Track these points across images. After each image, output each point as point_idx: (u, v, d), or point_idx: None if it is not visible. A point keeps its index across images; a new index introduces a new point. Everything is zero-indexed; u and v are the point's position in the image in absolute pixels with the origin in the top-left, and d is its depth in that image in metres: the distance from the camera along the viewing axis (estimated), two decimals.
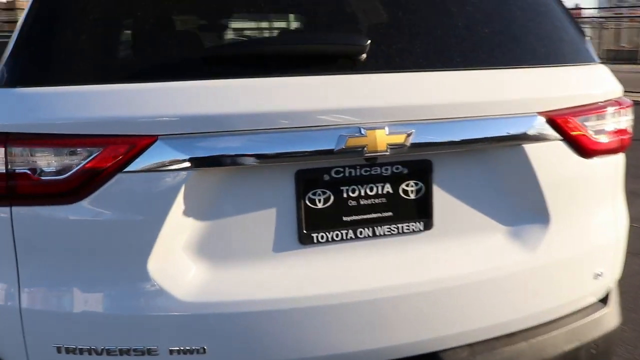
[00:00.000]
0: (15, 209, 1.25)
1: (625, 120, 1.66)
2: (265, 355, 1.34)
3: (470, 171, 1.47)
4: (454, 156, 1.45)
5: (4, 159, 1.22)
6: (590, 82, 1.61)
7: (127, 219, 1.26)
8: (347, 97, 1.31)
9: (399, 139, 1.32)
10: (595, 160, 1.60)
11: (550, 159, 1.51)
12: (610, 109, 1.60)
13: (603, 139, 1.59)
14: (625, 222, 1.78)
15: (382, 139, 1.30)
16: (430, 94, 1.37)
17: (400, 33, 1.44)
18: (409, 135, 1.32)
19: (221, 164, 1.26)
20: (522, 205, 1.53)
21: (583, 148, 1.55)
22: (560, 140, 1.51)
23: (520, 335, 1.56)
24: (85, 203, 1.24)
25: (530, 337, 1.55)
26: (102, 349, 1.30)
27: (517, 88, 1.47)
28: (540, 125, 1.47)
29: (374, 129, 1.30)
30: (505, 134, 1.44)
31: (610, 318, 1.72)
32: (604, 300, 1.74)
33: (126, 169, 1.23)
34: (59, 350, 1.31)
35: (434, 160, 1.43)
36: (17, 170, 1.23)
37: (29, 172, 1.23)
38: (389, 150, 1.31)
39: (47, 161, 1.23)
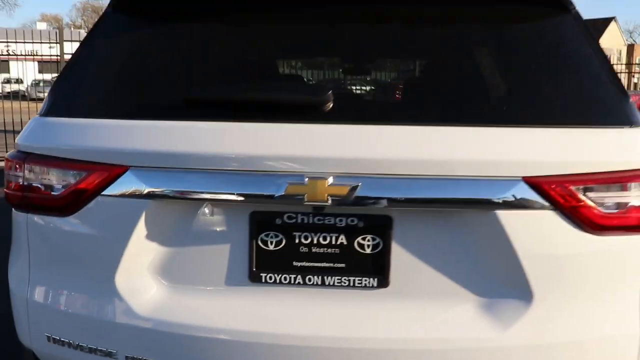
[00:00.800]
0: (28, 216, 1.54)
1: None
2: None
3: (438, 233, 1.39)
4: (420, 215, 1.38)
5: (23, 174, 1.51)
6: (608, 147, 1.39)
7: (102, 236, 1.46)
8: (298, 146, 1.35)
9: (342, 190, 1.31)
10: (609, 237, 1.38)
11: (535, 229, 1.35)
12: (633, 182, 1.37)
13: (619, 213, 1.37)
14: None
15: (323, 189, 1.31)
16: (388, 148, 1.33)
17: (365, 84, 1.43)
18: (353, 188, 1.31)
19: (176, 198, 1.39)
20: (497, 277, 1.38)
21: (586, 222, 1.35)
22: (552, 210, 1.34)
23: None
24: (76, 216, 1.47)
25: None
26: (77, 344, 1.51)
27: (498, 148, 1.35)
28: (522, 192, 1.33)
29: (316, 178, 1.31)
30: (474, 198, 1.33)
31: None
32: None
33: (104, 192, 1.43)
34: (48, 339, 1.55)
35: (396, 217, 1.38)
36: (34, 183, 1.52)
37: (40, 186, 1.51)
38: (329, 201, 1.31)
39: (51, 178, 1.50)
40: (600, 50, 1.54)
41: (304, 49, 1.72)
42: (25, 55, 10.51)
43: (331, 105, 1.37)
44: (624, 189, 1.38)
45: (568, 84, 1.49)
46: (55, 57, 9.71)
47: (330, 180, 1.31)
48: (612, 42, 48.15)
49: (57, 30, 9.66)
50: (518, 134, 1.37)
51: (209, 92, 1.43)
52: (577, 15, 1.58)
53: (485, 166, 1.33)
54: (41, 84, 18.34)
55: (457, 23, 1.56)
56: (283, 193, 1.32)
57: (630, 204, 1.39)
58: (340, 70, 1.71)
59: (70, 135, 1.49)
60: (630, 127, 1.42)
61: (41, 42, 10.20)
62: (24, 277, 1.59)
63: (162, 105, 1.47)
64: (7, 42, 9.89)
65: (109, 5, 1.70)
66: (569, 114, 1.44)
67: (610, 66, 1.53)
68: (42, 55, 10.28)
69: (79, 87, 1.56)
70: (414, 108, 1.40)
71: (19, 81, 15.94)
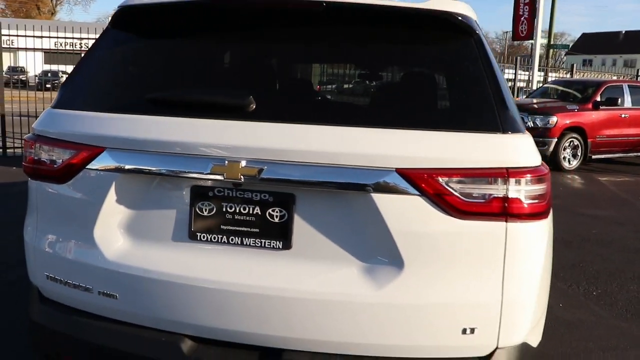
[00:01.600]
0: (37, 183, 2.05)
1: (515, 191, 1.73)
2: (146, 306, 1.87)
3: (331, 210, 1.78)
4: (317, 195, 1.78)
5: (34, 151, 2.02)
6: (477, 149, 1.73)
7: (85, 199, 1.94)
8: (223, 137, 1.78)
9: (251, 171, 1.73)
10: (472, 222, 1.72)
11: (405, 211, 1.72)
12: (495, 177, 1.71)
13: (481, 202, 1.71)
14: (530, 293, 1.81)
15: (237, 170, 1.73)
16: (288, 141, 1.74)
17: (283, 91, 1.84)
18: (260, 170, 1.73)
19: (137, 172, 1.85)
20: (377, 247, 1.76)
21: (450, 207, 1.71)
22: (419, 196, 1.70)
23: (369, 359, 1.78)
24: (69, 184, 1.96)
25: None
26: (66, 281, 2.00)
27: (377, 145, 1.72)
28: (394, 180, 1.70)
29: (233, 161, 1.74)
30: (354, 182, 1.71)
31: None
32: (485, 359, 1.81)
33: (88, 166, 1.91)
34: (47, 277, 2.05)
35: (298, 195, 1.79)
36: (42, 158, 2.02)
37: (46, 160, 2.01)
38: (242, 179, 1.74)
39: (53, 154, 1.99)
40: (491, 69, 1.87)
41: (248, 61, 2.15)
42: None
43: (251, 107, 1.80)
44: (487, 182, 1.73)
45: (452, 96, 1.85)
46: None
47: (243, 163, 1.74)
48: None
49: None
50: (395, 134, 1.74)
51: (163, 94, 1.89)
52: (479, 39, 1.93)
53: (365, 158, 1.71)
54: None
55: (371, 42, 1.94)
56: (209, 171, 1.76)
57: (492, 195, 1.73)
58: (271, 77, 2.14)
59: (68, 123, 1.98)
60: (502, 133, 1.77)
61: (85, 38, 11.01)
62: (33, 230, 2.10)
63: (130, 103, 1.94)
64: (75, 37, 10.73)
65: (108, 23, 2.19)
66: (447, 121, 1.79)
67: (497, 83, 1.86)
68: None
69: (77, 87, 2.06)
70: (313, 110, 1.80)
71: (23, 70, 16.90)
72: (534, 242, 1.81)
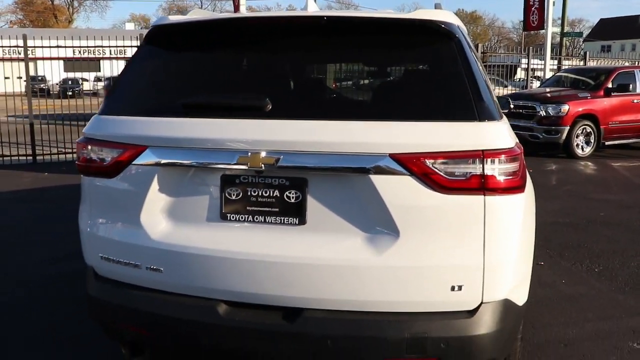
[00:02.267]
0: (89, 178, 2.43)
1: (491, 169, 2.05)
2: (187, 277, 2.24)
3: (338, 190, 2.12)
4: (325, 178, 2.12)
5: (87, 151, 2.40)
6: (457, 135, 2.06)
7: (132, 189, 2.31)
8: (246, 133, 2.13)
9: (270, 160, 2.08)
10: (455, 196, 2.05)
11: (398, 188, 2.05)
12: (473, 158, 2.03)
13: (458, 179, 2.04)
14: (508, 256, 2.13)
15: (258, 160, 2.08)
16: (300, 135, 2.09)
17: (294, 93, 2.19)
18: (277, 159, 2.08)
19: (175, 165, 2.22)
20: (376, 220, 2.10)
21: (434, 184, 2.04)
22: (409, 175, 2.04)
23: (369, 314, 2.12)
24: (118, 178, 2.34)
25: (376, 317, 2.10)
26: (118, 260, 2.37)
27: (373, 135, 2.05)
28: (388, 163, 2.03)
29: (255, 153, 2.10)
30: (356, 167, 2.05)
31: (470, 327, 2.10)
32: (472, 312, 2.13)
33: (134, 162, 2.28)
34: (101, 258, 2.43)
35: (309, 179, 2.13)
36: (93, 157, 2.40)
37: (97, 159, 2.39)
38: (263, 167, 2.09)
39: (103, 154, 2.37)
40: (469, 68, 2.19)
41: (263, 68, 2.50)
42: (110, 55, 11.92)
43: (267, 107, 2.15)
44: (466, 163, 2.05)
45: (436, 91, 2.17)
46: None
47: (263, 154, 2.09)
48: None
49: (141, 32, 10.94)
50: (388, 125, 2.07)
51: (195, 99, 2.25)
52: (458, 42, 2.25)
53: (363, 146, 2.05)
54: None
55: (366, 48, 2.28)
56: (236, 162, 2.12)
57: (471, 173, 2.06)
58: (284, 83, 2.51)
59: (114, 126, 2.35)
60: (478, 121, 2.09)
61: (104, 45, 11.48)
62: (86, 219, 2.48)
63: (166, 107, 2.31)
64: (91, 46, 11.20)
65: (143, 40, 2.56)
66: (432, 113, 2.12)
67: (475, 79, 2.17)
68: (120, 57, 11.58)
69: (118, 96, 2.43)
70: (320, 108, 2.14)
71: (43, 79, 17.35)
72: (509, 212, 2.12)
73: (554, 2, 16.18)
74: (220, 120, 2.18)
